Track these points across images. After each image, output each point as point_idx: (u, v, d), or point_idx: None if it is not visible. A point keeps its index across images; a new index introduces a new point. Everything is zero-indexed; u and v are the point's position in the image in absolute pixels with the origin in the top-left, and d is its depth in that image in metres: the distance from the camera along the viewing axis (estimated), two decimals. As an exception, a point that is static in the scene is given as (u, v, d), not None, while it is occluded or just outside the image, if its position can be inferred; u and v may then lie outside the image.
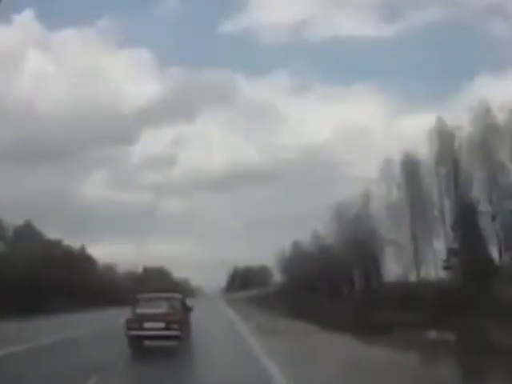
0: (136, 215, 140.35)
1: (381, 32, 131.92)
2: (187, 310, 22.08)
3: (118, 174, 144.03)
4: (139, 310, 20.38)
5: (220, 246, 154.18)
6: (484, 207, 49.98)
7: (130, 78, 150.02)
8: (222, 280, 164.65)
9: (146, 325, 19.66)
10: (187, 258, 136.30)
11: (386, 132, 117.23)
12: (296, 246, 77.53)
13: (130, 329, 20.00)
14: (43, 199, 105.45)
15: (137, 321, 19.98)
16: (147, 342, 20.27)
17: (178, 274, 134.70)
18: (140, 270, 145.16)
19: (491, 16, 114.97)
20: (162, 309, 20.25)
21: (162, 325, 19.59)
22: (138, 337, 20.00)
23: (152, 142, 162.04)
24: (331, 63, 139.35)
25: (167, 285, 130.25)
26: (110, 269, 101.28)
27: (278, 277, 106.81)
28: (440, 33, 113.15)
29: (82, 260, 75.45)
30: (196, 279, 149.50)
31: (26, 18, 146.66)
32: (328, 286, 54.62)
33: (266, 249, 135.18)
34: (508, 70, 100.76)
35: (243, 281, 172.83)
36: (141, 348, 19.95)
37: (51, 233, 75.53)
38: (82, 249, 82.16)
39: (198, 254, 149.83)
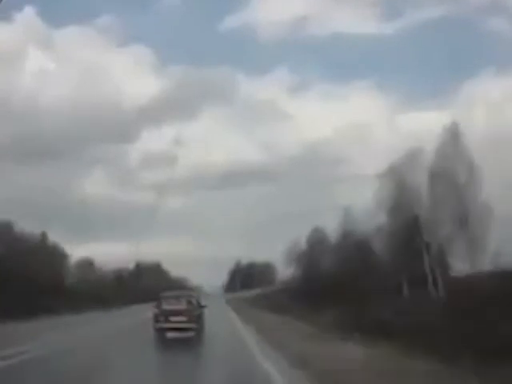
0: (136, 213, 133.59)
1: (381, 29, 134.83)
2: (201, 306, 26.15)
3: (118, 172, 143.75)
4: (165, 307, 24.22)
5: (220, 245, 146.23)
6: None
7: (131, 75, 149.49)
8: (222, 279, 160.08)
9: (171, 318, 23.68)
10: (186, 256, 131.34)
11: (387, 129, 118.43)
12: (317, 233, 63.07)
13: (157, 322, 24.13)
14: (42, 197, 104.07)
15: (163, 315, 23.94)
16: (172, 334, 23.87)
17: (177, 272, 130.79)
18: (131, 266, 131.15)
19: (492, 13, 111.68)
20: (182, 305, 24.26)
21: (184, 318, 23.62)
22: (164, 329, 23.95)
23: (153, 139, 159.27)
24: (332, 60, 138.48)
25: (163, 283, 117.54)
26: (87, 264, 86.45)
27: (286, 273, 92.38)
28: (441, 30, 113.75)
29: (44, 251, 60.39)
30: (195, 278, 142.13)
31: (26, 16, 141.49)
32: (372, 283, 39.12)
33: (268, 247, 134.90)
34: (509, 66, 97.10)
35: (245, 278, 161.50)
36: (165, 338, 23.49)
37: (50, 232, 72.78)
38: (43, 236, 66.24)
39: (198, 253, 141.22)
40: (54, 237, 73.14)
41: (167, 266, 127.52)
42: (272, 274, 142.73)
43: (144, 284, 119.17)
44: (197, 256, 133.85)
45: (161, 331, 24.23)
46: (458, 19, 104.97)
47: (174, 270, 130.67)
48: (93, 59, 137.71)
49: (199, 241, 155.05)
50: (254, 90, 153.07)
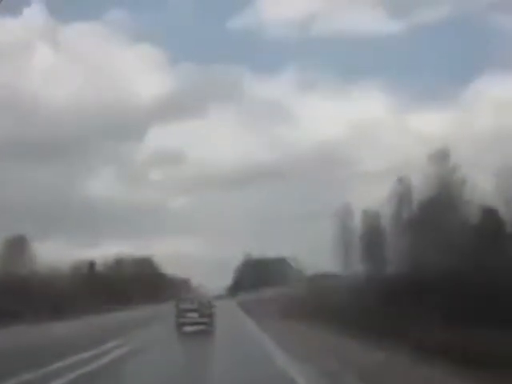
0: (142, 212, 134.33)
1: (389, 28, 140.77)
2: (212, 306, 32.02)
3: (125, 171, 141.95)
4: (182, 306, 31.04)
5: (227, 245, 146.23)
6: None
7: (139, 73, 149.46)
8: (227, 280, 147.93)
9: (188, 315, 30.56)
10: (191, 256, 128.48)
11: (396, 129, 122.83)
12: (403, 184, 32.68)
13: (178, 317, 30.84)
14: (48, 196, 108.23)
15: (182, 313, 30.76)
16: (189, 328, 30.31)
17: (182, 272, 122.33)
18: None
19: (501, 11, 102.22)
20: (196, 305, 30.92)
21: (197, 315, 30.44)
22: (182, 323, 30.38)
23: (160, 138, 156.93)
24: (340, 59, 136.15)
25: (154, 284, 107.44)
26: (17, 248, 55.99)
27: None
28: (449, 29, 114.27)
29: None
30: (200, 278, 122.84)
31: (34, 10, 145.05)
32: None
33: (276, 247, 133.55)
34: None
35: (256, 277, 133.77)
36: (183, 330, 30.29)
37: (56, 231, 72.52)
38: None
39: (204, 253, 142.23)
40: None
41: (169, 265, 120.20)
42: (288, 271, 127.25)
43: (125, 283, 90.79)
44: (202, 256, 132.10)
45: (180, 325, 30.51)
46: (466, 18, 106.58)
47: (177, 270, 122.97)
48: (101, 56, 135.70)
49: (205, 241, 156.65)
50: (262, 88, 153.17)
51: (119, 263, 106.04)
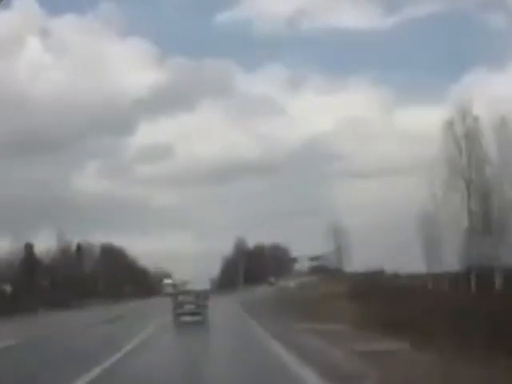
0: (129, 207, 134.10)
1: (378, 24, 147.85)
2: (206, 298, 35.73)
3: (113, 165, 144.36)
4: (180, 298, 34.28)
5: (216, 240, 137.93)
6: None
7: (128, 67, 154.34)
8: (214, 272, 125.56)
9: (185, 306, 33.83)
10: (178, 250, 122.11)
11: (384, 124, 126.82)
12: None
13: (175, 308, 33.89)
14: (36, 191, 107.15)
15: (180, 304, 34.03)
16: (186, 318, 33.34)
17: (165, 266, 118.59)
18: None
19: (491, 8, 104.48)
20: (192, 298, 34.21)
21: (193, 306, 33.82)
22: (179, 314, 33.57)
23: (149, 132, 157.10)
24: (330, 55, 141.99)
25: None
26: None
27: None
28: (438, 24, 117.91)
29: None
30: (186, 272, 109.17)
31: (25, 2, 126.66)
32: None
33: (265, 241, 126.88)
34: (506, 62, 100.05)
35: (251, 268, 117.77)
36: (180, 320, 33.17)
37: (42, 225, 76.59)
38: None
39: (191, 247, 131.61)
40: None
41: (152, 259, 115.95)
42: (288, 260, 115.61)
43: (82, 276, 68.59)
44: (189, 250, 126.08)
45: (177, 316, 33.07)
46: (455, 14, 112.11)
47: (160, 264, 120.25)
48: (90, 49, 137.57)
49: (192, 235, 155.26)
50: (252, 83, 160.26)
51: (80, 251, 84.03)
